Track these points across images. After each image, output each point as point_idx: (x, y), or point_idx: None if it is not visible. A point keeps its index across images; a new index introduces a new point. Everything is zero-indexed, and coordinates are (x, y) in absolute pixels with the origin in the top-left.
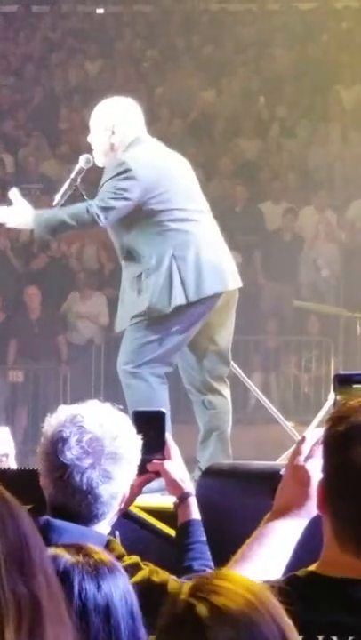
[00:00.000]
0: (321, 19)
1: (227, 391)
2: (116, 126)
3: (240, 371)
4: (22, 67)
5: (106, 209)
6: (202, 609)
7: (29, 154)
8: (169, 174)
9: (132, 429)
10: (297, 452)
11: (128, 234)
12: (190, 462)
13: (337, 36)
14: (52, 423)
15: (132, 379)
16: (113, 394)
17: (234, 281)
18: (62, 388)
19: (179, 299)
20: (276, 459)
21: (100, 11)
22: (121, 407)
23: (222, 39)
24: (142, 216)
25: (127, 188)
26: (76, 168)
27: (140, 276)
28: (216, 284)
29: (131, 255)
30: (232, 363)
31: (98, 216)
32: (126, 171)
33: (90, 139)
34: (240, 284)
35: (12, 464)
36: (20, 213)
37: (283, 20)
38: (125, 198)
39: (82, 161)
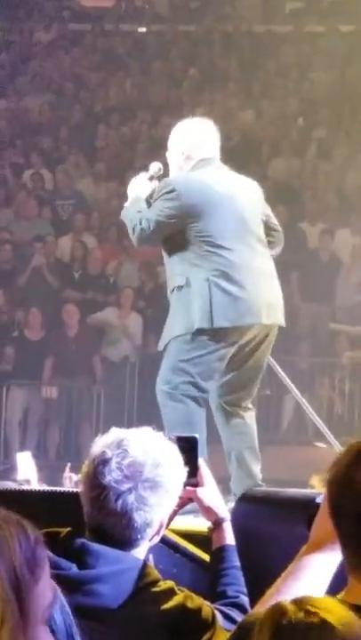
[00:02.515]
0: None
1: (248, 413)
2: (189, 151)
3: (293, 387)
4: (62, 84)
5: (150, 224)
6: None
7: (67, 170)
8: (215, 201)
9: (179, 460)
10: None
11: (168, 252)
12: (224, 481)
13: None
14: (98, 444)
15: (169, 400)
16: (146, 414)
17: (273, 316)
18: (95, 406)
19: (198, 323)
20: (309, 481)
21: (142, 29)
22: (172, 437)
23: (263, 61)
24: (182, 237)
25: (171, 208)
26: (147, 175)
27: (172, 293)
28: (247, 315)
29: (170, 272)
30: (288, 380)
31: (143, 230)
32: (171, 191)
33: (168, 155)
34: (281, 322)
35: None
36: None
37: (323, 42)
38: (169, 217)
39: (153, 168)
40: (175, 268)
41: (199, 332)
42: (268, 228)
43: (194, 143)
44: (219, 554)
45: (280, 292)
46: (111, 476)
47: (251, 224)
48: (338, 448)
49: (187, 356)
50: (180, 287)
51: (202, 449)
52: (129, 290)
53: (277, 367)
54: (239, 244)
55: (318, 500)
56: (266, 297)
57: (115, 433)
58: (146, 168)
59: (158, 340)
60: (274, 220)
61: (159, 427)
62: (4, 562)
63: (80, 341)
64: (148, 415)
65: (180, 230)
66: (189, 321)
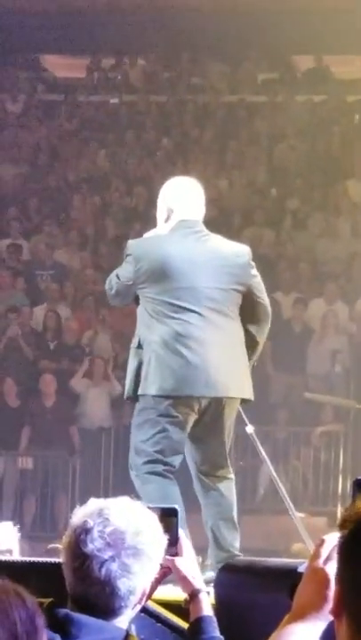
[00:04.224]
0: (333, 111)
1: (224, 484)
2: (170, 211)
3: (268, 460)
4: (36, 154)
5: (113, 285)
6: None
7: (44, 240)
8: (169, 269)
9: (159, 528)
10: (316, 555)
11: (137, 312)
12: (203, 551)
13: (348, 128)
14: (78, 514)
15: (140, 483)
16: (122, 483)
17: (222, 390)
18: (71, 477)
19: (141, 388)
20: (286, 549)
21: (115, 100)
22: (154, 507)
23: (235, 131)
24: (140, 299)
25: (128, 271)
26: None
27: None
28: (183, 386)
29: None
30: (264, 453)
31: (108, 290)
32: (128, 255)
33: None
34: (238, 395)
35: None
36: None
37: (295, 112)
38: (126, 279)
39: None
40: (137, 328)
41: (144, 400)
42: (254, 302)
43: (176, 203)
44: (197, 625)
45: (240, 364)
46: (93, 544)
47: (214, 294)
48: (298, 522)
49: (145, 436)
50: (134, 348)
51: (181, 522)
52: (100, 360)
53: (256, 439)
54: (189, 315)
55: (301, 569)
56: (214, 370)
57: (94, 503)
58: (119, 238)
59: (133, 411)
60: (259, 293)
61: (136, 496)
62: (4, 633)
63: (57, 411)
64: (124, 484)
65: (138, 293)
66: (133, 384)
